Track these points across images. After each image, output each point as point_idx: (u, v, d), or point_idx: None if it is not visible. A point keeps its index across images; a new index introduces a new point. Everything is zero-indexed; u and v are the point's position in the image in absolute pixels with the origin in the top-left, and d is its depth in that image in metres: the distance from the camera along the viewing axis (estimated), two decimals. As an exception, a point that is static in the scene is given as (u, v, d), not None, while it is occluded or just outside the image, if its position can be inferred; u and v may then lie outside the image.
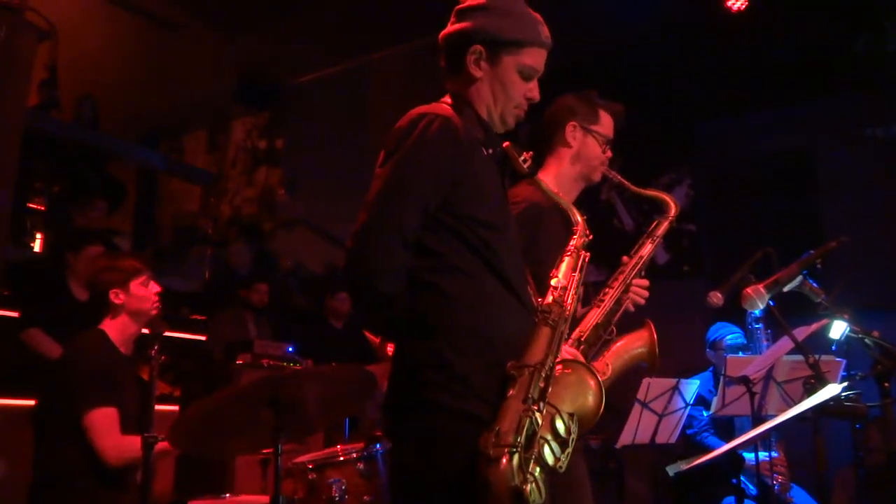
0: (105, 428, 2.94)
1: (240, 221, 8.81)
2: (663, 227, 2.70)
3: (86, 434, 2.93)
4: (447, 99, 2.04)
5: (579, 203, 2.08)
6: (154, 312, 3.24)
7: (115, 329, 3.20)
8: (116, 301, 3.19)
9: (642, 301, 2.59)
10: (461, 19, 2.01)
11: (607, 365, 2.46)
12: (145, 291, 3.25)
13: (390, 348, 3.54)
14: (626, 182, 2.73)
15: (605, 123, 2.72)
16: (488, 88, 2.00)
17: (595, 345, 2.45)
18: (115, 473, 2.99)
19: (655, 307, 2.80)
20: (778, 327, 3.30)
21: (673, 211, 2.71)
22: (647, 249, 2.64)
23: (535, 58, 2.01)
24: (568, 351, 2.24)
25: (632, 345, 2.55)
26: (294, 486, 3.31)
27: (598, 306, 2.51)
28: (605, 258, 2.88)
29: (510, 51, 1.97)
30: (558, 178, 2.64)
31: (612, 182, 2.77)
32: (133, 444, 2.87)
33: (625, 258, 2.64)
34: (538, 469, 1.61)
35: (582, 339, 2.42)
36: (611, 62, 6.92)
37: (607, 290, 2.55)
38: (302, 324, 6.99)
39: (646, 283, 2.61)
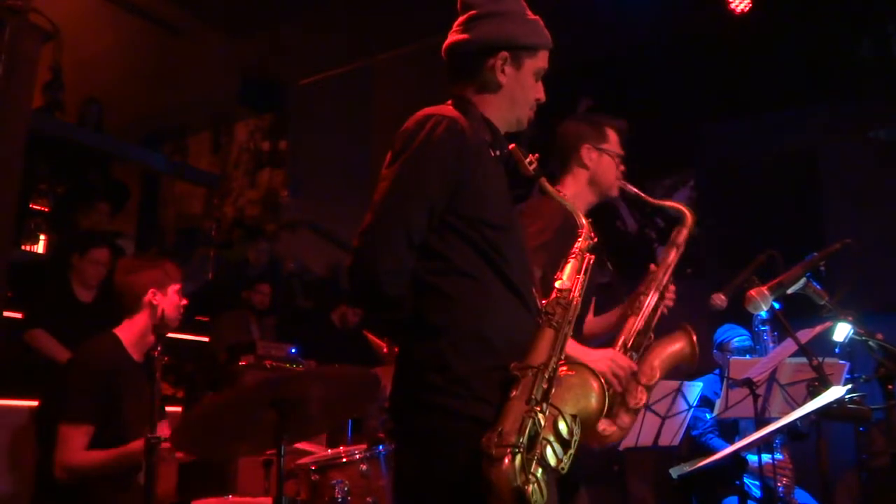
0: (65, 444, 2.91)
1: (243, 223, 8.82)
2: (683, 234, 2.82)
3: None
4: (451, 102, 2.04)
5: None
6: (175, 324, 3.16)
7: (133, 333, 3.12)
8: (154, 301, 3.08)
9: (671, 304, 2.73)
10: (478, 27, 2.02)
11: (653, 368, 2.55)
12: (178, 300, 3.17)
13: (386, 349, 3.57)
14: (643, 194, 2.86)
15: (614, 141, 2.86)
16: (509, 93, 2.03)
17: (638, 350, 2.58)
18: (117, 474, 2.98)
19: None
20: (783, 330, 3.30)
21: (689, 219, 2.83)
22: (672, 256, 2.77)
23: (545, 60, 2.08)
24: (621, 358, 2.44)
25: (671, 345, 2.66)
26: (297, 487, 3.31)
27: (636, 314, 2.64)
28: (608, 260, 2.92)
29: (529, 55, 2.03)
30: (577, 198, 2.75)
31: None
32: (84, 465, 2.89)
33: (652, 266, 2.76)
34: (540, 470, 1.61)
35: (628, 346, 2.56)
36: (614, 64, 6.94)
37: (641, 297, 2.68)
38: (305, 325, 7.00)
39: (673, 287, 2.74)
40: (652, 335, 2.63)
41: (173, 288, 3.16)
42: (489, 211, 1.87)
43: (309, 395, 2.56)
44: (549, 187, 2.05)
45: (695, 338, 2.64)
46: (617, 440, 2.48)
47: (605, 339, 2.72)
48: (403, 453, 1.84)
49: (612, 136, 2.86)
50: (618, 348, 2.54)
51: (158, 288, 3.12)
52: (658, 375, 2.55)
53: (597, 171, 2.80)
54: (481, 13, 2.03)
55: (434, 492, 1.73)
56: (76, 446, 2.91)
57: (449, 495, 1.69)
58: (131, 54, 8.51)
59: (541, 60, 2.06)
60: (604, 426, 2.39)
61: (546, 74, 2.10)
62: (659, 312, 2.68)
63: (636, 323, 2.61)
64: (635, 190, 2.84)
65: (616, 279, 3.04)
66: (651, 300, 2.66)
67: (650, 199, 2.88)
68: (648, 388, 2.52)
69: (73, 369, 3.09)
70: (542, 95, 2.09)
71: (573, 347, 2.30)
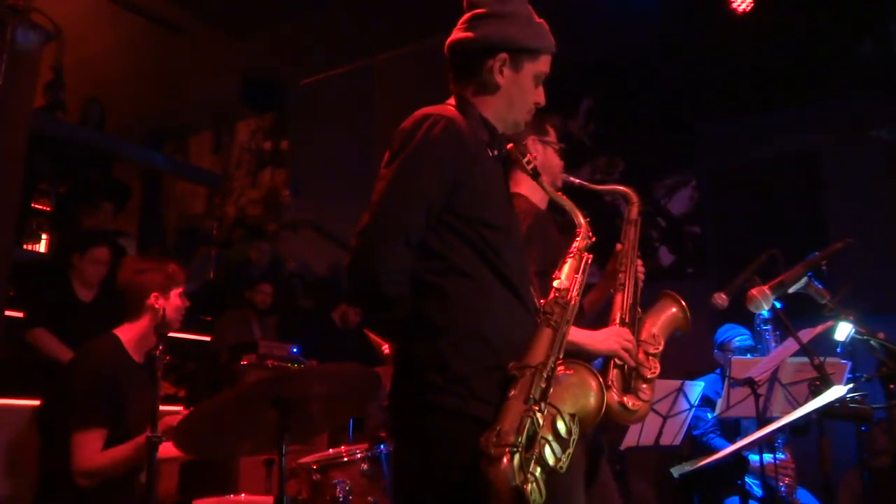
0: (84, 451, 2.89)
1: (244, 223, 8.84)
2: (634, 211, 2.91)
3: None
4: (452, 101, 2.05)
5: (585, 206, 2.11)
6: (176, 326, 3.16)
7: (134, 335, 3.12)
8: (156, 305, 3.09)
9: (643, 277, 2.81)
10: (481, 26, 2.02)
11: (655, 336, 2.58)
12: (180, 303, 3.17)
13: (387, 349, 3.58)
14: (586, 183, 2.96)
15: (553, 134, 2.94)
16: (506, 94, 2.02)
17: (634, 324, 2.61)
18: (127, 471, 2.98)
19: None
20: (785, 329, 3.30)
21: (634, 196, 2.93)
22: (633, 233, 2.85)
23: (547, 64, 2.07)
24: (626, 333, 2.46)
25: (664, 311, 2.71)
26: (298, 486, 3.32)
27: (622, 290, 2.68)
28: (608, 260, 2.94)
29: (530, 58, 2.02)
30: (534, 191, 2.82)
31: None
32: (105, 465, 2.87)
33: (619, 245, 2.83)
34: (539, 469, 1.61)
35: (625, 321, 2.59)
36: (614, 64, 6.93)
37: (620, 274, 2.73)
38: (306, 325, 7.00)
39: (640, 261, 2.83)
40: (639, 308, 2.66)
41: (176, 291, 3.16)
42: (487, 210, 1.87)
43: (310, 394, 2.56)
44: (548, 187, 2.06)
45: (683, 301, 2.69)
46: (645, 414, 2.49)
47: (586, 324, 2.74)
48: (403, 453, 1.84)
49: (551, 130, 2.94)
50: (616, 324, 2.57)
51: (161, 292, 3.12)
52: (662, 342, 2.59)
53: (545, 162, 2.85)
54: (487, 12, 2.03)
55: (433, 491, 1.73)
56: (92, 450, 2.89)
57: (448, 495, 1.69)
58: (132, 54, 8.52)
59: (542, 64, 2.04)
60: (631, 401, 2.41)
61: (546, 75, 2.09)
62: (640, 286, 2.74)
63: (625, 298, 2.65)
64: (578, 181, 2.93)
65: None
66: (630, 275, 2.72)
67: (594, 186, 2.99)
68: (657, 356, 2.55)
69: (75, 374, 3.06)
70: (541, 99, 2.08)
71: (577, 332, 2.32)
